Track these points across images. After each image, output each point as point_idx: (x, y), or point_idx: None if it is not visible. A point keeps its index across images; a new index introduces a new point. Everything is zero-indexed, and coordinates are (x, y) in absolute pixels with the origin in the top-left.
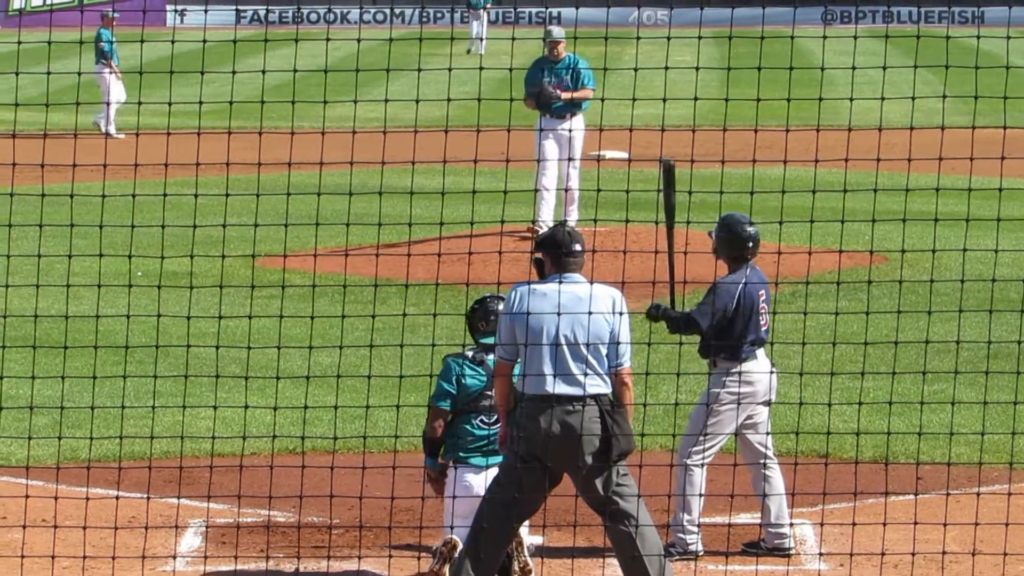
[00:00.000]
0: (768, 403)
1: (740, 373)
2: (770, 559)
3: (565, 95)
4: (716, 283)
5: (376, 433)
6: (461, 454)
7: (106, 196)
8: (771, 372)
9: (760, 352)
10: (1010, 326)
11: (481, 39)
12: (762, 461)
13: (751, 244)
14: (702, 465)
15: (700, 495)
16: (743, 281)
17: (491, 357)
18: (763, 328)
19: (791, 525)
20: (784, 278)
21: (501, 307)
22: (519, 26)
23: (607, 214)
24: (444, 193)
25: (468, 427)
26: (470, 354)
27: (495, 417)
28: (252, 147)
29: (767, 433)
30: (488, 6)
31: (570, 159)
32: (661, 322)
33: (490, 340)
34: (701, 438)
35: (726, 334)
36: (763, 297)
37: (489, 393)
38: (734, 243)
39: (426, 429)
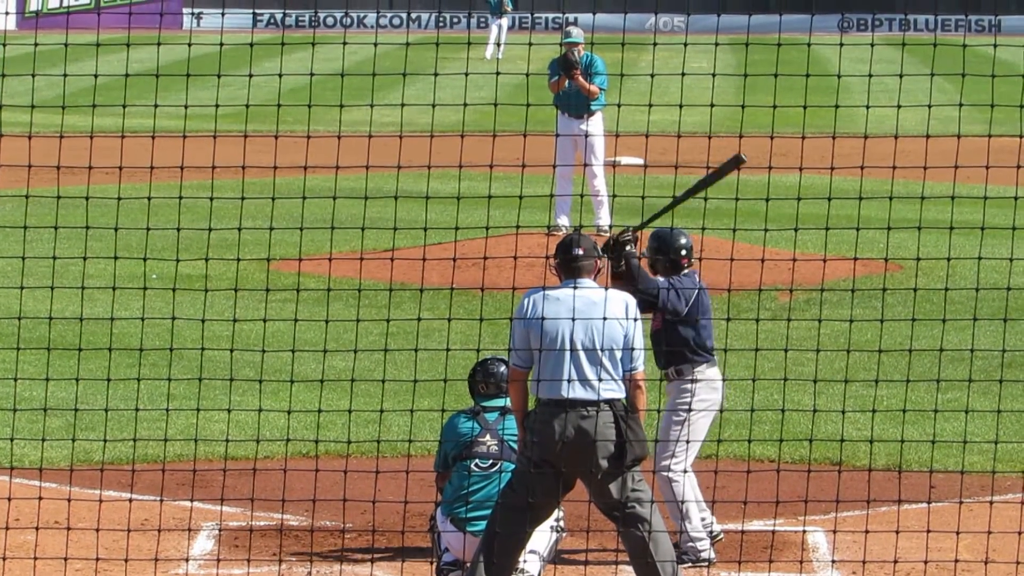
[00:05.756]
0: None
1: (721, 380)
2: (783, 567)
3: (582, 79)
4: (670, 281)
5: (390, 437)
6: (450, 507)
7: (121, 198)
8: (723, 379)
9: (717, 359)
10: None
11: (499, 44)
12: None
13: (684, 252)
14: (684, 471)
15: (695, 501)
16: (696, 284)
17: (488, 413)
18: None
19: (682, 532)
20: (799, 285)
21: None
22: (536, 31)
23: (622, 220)
24: (460, 198)
25: (461, 475)
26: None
27: (491, 462)
28: (268, 150)
29: (700, 441)
30: (508, 8)
31: (587, 165)
32: (620, 255)
33: (491, 403)
34: (677, 447)
35: (694, 338)
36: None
37: (482, 440)
38: (668, 253)
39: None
